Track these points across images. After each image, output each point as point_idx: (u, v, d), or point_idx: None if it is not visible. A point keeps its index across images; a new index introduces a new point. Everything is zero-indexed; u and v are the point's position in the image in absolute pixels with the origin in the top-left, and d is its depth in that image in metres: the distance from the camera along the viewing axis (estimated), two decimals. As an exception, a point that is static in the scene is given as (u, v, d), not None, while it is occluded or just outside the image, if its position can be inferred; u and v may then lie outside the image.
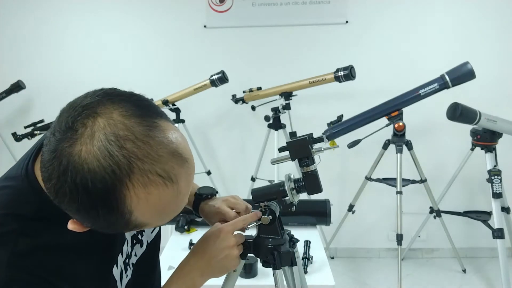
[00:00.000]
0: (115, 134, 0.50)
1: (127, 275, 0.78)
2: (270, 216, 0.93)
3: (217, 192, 1.06)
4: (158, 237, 0.91)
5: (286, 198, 0.95)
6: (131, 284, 0.78)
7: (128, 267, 0.78)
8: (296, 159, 0.94)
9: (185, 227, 1.78)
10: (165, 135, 0.53)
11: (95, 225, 0.54)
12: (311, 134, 0.94)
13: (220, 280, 0.95)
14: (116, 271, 0.73)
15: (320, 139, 0.94)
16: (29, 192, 0.61)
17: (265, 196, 0.97)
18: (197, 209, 1.02)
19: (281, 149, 0.95)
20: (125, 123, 0.51)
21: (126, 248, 0.78)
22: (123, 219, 0.52)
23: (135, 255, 0.81)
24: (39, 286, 0.58)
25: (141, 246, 0.84)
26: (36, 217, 0.61)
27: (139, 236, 0.83)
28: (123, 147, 0.49)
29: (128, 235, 0.79)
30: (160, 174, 0.51)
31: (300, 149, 0.93)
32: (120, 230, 0.57)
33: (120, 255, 0.75)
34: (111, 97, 0.53)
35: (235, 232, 0.87)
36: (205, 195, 1.02)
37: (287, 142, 0.94)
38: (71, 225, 0.55)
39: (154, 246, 0.88)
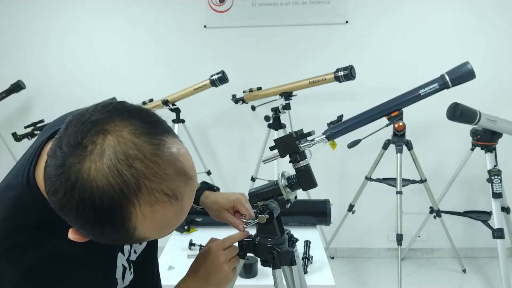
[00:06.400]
0: (125, 153, 0.50)
1: (131, 273, 0.79)
2: (267, 215, 0.93)
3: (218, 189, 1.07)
4: None
5: (282, 196, 0.95)
6: (134, 282, 0.79)
7: (131, 264, 0.80)
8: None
9: (185, 227, 1.78)
10: (172, 154, 0.53)
11: (98, 238, 0.55)
12: (300, 130, 0.95)
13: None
14: (117, 271, 0.74)
15: (308, 134, 0.95)
16: (31, 202, 0.61)
17: (261, 196, 0.97)
18: (198, 198, 1.03)
19: (271, 148, 0.95)
20: (135, 141, 0.51)
21: (127, 247, 0.79)
22: (127, 234, 0.53)
23: (135, 252, 0.82)
24: None
25: (140, 243, 0.84)
26: (39, 226, 0.61)
27: None
28: (132, 166, 0.49)
29: None
30: (166, 193, 0.52)
31: (287, 145, 0.93)
32: (122, 244, 0.57)
33: (121, 254, 0.76)
34: (120, 114, 0.53)
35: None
36: (211, 185, 1.05)
37: (274, 140, 0.95)
38: (71, 235, 0.56)
39: (152, 243, 0.89)
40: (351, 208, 2.90)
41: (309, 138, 0.96)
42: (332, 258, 3.22)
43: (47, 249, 0.60)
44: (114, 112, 0.53)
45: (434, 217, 2.79)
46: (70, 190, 0.49)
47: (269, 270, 0.98)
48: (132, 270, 0.80)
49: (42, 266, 0.60)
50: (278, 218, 0.98)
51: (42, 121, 2.93)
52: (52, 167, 0.51)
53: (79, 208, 0.50)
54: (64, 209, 0.51)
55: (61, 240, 0.59)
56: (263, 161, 1.01)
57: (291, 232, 1.03)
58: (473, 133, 2.50)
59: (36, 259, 0.59)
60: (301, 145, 0.93)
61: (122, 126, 0.51)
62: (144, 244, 0.86)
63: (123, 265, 0.76)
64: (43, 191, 0.60)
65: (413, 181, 2.62)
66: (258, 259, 1.02)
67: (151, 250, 0.89)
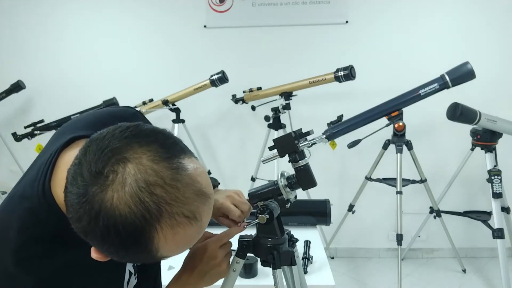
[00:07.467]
0: (146, 181, 0.51)
1: (135, 278, 0.81)
2: (267, 215, 0.93)
3: (219, 183, 1.06)
4: None
5: (282, 196, 0.95)
6: (137, 286, 0.81)
7: (135, 270, 0.81)
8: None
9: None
10: (190, 176, 0.55)
11: (122, 259, 0.57)
12: (299, 129, 0.95)
13: (219, 280, 0.95)
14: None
15: (307, 134, 0.95)
16: (46, 213, 0.63)
17: (261, 196, 0.97)
18: None
19: (270, 148, 0.95)
20: (154, 168, 0.52)
21: None
22: (150, 255, 0.55)
23: None
24: None
25: None
26: (54, 238, 0.62)
27: None
28: (153, 194, 0.51)
29: None
30: (187, 215, 0.54)
31: (286, 145, 0.94)
32: (145, 262, 0.59)
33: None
34: (138, 139, 0.54)
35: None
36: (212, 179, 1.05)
37: (273, 140, 0.95)
38: (94, 254, 0.57)
39: None
40: (351, 208, 2.90)
41: (308, 138, 0.96)
42: (332, 258, 3.22)
43: (62, 260, 0.62)
44: (132, 138, 0.54)
45: (434, 217, 2.79)
46: (94, 219, 0.51)
47: (269, 270, 0.98)
48: (136, 275, 0.81)
49: (57, 276, 0.61)
50: (278, 218, 0.98)
51: (42, 121, 2.93)
52: (75, 195, 0.52)
53: (103, 234, 0.52)
54: (89, 236, 0.53)
55: (75, 251, 0.61)
56: (262, 161, 1.01)
57: (291, 232, 1.03)
58: (473, 133, 2.50)
59: (51, 270, 0.61)
60: (300, 145, 0.93)
61: (141, 153, 0.53)
62: None
63: (129, 271, 0.78)
64: (59, 203, 0.62)
65: (413, 181, 2.62)
66: (258, 259, 1.02)
67: None
